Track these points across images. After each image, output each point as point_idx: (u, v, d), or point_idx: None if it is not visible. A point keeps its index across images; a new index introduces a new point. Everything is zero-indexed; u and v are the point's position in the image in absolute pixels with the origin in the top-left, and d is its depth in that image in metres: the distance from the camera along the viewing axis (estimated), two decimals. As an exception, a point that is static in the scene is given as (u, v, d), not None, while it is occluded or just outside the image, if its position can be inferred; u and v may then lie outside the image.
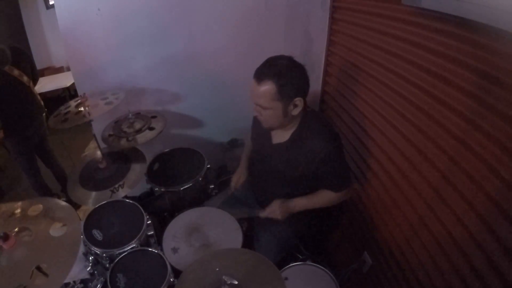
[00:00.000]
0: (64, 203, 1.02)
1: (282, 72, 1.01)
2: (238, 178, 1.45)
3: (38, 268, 0.82)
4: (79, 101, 1.40)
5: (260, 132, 1.27)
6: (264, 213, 1.23)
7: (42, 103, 2.09)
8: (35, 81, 2.02)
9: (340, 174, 1.20)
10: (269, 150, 1.25)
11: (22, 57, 1.90)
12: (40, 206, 0.98)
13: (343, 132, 1.67)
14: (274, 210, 1.22)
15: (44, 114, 2.14)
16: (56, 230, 0.93)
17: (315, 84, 1.98)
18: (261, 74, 1.02)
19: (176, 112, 1.91)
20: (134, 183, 1.42)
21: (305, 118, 1.16)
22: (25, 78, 1.82)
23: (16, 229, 0.91)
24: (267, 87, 1.01)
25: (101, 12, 1.51)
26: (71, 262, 0.84)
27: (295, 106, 1.07)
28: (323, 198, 1.24)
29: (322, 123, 1.18)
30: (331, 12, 1.74)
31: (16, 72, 1.76)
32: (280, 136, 1.20)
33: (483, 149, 0.84)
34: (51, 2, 3.91)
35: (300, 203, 1.25)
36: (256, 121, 1.30)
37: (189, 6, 1.60)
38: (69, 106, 1.41)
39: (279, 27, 1.75)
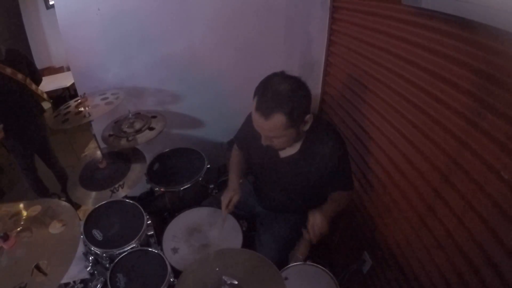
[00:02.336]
0: (63, 202, 1.02)
1: (286, 99, 0.93)
2: (230, 198, 1.25)
3: (37, 267, 0.82)
4: (79, 100, 1.40)
5: (262, 147, 1.20)
6: (313, 235, 1.10)
7: (45, 96, 2.07)
8: (37, 82, 2.01)
9: (350, 173, 1.23)
10: (276, 164, 1.20)
11: (17, 58, 1.88)
12: (39, 207, 0.98)
13: (343, 132, 1.67)
14: (322, 226, 1.10)
15: (44, 114, 2.13)
16: (55, 229, 0.93)
17: (315, 84, 1.97)
18: (266, 109, 0.93)
19: (176, 112, 1.91)
20: (134, 183, 1.42)
21: (311, 128, 1.10)
22: (19, 76, 1.80)
23: (17, 229, 0.91)
24: (277, 119, 0.94)
25: (101, 12, 1.51)
26: (70, 260, 0.84)
27: (306, 123, 1.03)
28: (341, 198, 1.24)
29: (327, 128, 1.17)
30: (331, 12, 1.74)
31: (8, 70, 1.75)
32: (288, 149, 1.15)
33: (483, 149, 0.84)
34: (51, 2, 3.91)
35: (330, 208, 1.19)
36: (254, 133, 1.23)
37: (188, 6, 1.60)
38: (69, 106, 1.41)
39: (279, 27, 1.75)
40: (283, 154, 1.18)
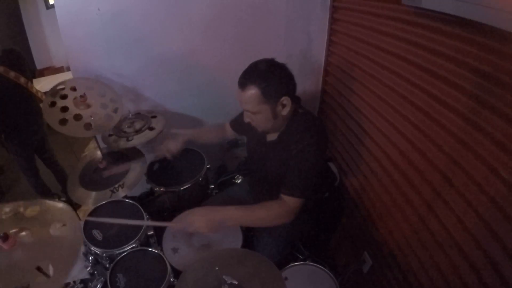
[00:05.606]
0: (62, 204, 1.02)
1: (262, 74, 1.04)
2: (174, 145, 1.41)
3: (39, 269, 0.82)
4: (78, 97, 1.39)
5: (254, 131, 1.25)
6: (176, 226, 1.05)
7: (44, 97, 2.07)
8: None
9: (299, 177, 1.06)
10: (263, 148, 1.25)
11: (19, 59, 1.89)
12: (37, 208, 0.98)
13: (343, 132, 1.67)
14: (192, 224, 1.02)
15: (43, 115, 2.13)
16: (55, 230, 0.93)
17: (315, 84, 1.97)
18: (243, 81, 1.05)
19: (176, 112, 1.91)
20: (134, 183, 1.42)
21: (293, 119, 1.15)
22: (22, 80, 1.82)
23: (17, 229, 0.91)
24: (251, 91, 1.03)
25: (101, 12, 1.51)
26: (72, 261, 0.84)
27: (283, 106, 1.08)
28: (272, 209, 1.07)
29: (309, 124, 1.11)
30: (331, 12, 1.74)
31: (12, 74, 1.76)
32: (272, 135, 1.22)
33: (483, 149, 0.84)
34: (51, 2, 3.91)
35: (232, 215, 1.06)
36: None
37: (188, 7, 1.60)
38: (66, 96, 1.39)
39: (279, 27, 1.75)
40: (269, 138, 1.23)
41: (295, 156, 1.07)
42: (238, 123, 1.44)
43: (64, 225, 0.93)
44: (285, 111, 1.09)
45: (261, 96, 1.03)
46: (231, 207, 1.08)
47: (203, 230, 1.02)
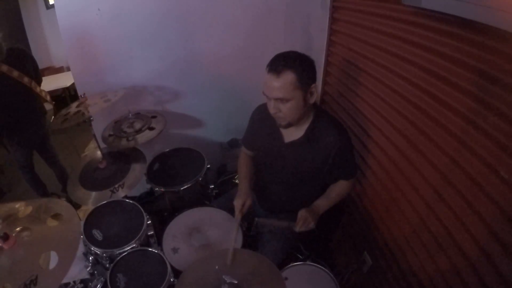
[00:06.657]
0: (60, 200, 1.03)
1: (297, 60, 1.03)
2: (243, 202, 1.23)
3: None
4: (80, 102, 1.40)
5: (267, 134, 1.25)
6: (298, 227, 1.16)
7: (48, 98, 2.08)
8: (38, 81, 2.02)
9: (353, 161, 1.25)
10: (281, 149, 1.22)
11: (24, 58, 1.89)
12: (31, 206, 0.98)
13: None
14: (306, 219, 1.16)
15: (46, 114, 2.14)
16: (53, 222, 0.93)
17: (315, 84, 1.98)
18: (278, 66, 1.02)
19: (176, 112, 1.91)
20: (134, 183, 1.42)
21: (317, 113, 1.17)
22: (25, 79, 1.82)
23: (17, 229, 0.91)
24: (288, 77, 1.01)
25: (101, 12, 1.51)
26: (75, 245, 0.87)
27: (311, 93, 1.08)
28: (338, 190, 1.27)
29: (331, 118, 1.21)
30: (331, 12, 1.74)
31: (15, 73, 1.76)
32: (293, 134, 1.19)
33: (483, 149, 0.84)
34: (51, 2, 3.91)
35: (322, 204, 1.24)
36: (258, 125, 1.30)
37: (188, 6, 1.60)
38: (69, 110, 1.41)
39: (279, 27, 1.75)
40: (288, 139, 1.21)
41: (345, 146, 1.17)
42: (247, 139, 1.40)
43: (60, 217, 0.94)
44: (312, 99, 1.09)
45: (297, 81, 1.02)
46: (320, 201, 1.25)
47: (311, 225, 1.18)
